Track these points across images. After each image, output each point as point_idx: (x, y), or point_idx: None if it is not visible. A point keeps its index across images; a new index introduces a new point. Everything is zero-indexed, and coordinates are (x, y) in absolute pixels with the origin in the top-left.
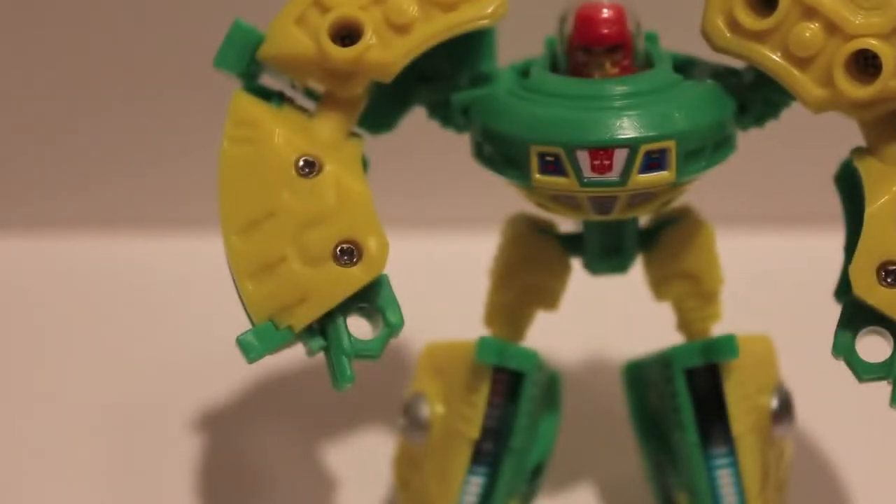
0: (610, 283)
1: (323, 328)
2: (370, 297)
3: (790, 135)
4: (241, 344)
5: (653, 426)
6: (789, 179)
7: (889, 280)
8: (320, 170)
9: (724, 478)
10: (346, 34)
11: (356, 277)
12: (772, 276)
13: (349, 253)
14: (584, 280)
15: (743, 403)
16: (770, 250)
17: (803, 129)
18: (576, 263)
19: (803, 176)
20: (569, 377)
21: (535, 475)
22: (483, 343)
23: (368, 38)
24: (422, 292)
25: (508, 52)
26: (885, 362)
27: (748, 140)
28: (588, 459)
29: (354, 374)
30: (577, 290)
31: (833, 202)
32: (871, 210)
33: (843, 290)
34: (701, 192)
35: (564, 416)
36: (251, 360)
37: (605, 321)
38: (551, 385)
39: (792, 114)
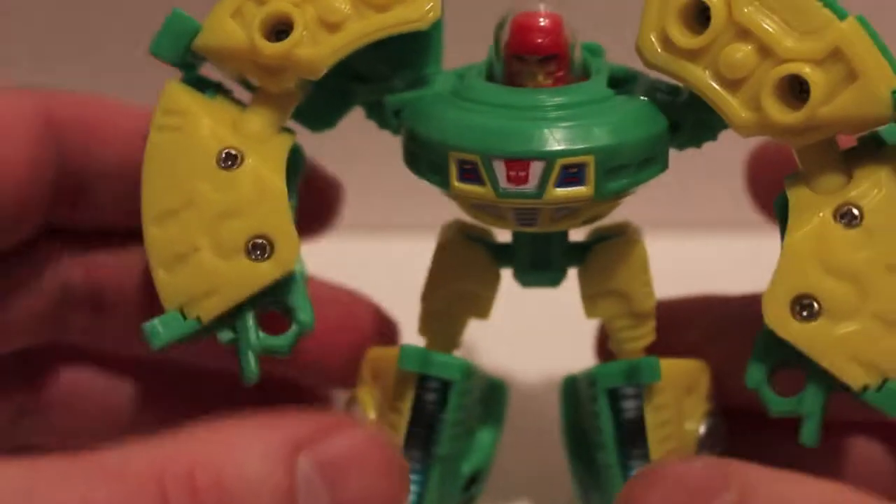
0: (577, 297)
1: (233, 322)
2: (281, 295)
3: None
4: (147, 330)
5: (581, 444)
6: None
7: (803, 314)
8: (241, 163)
9: None
10: (283, 29)
11: (266, 273)
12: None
13: (261, 248)
14: (552, 293)
15: (661, 430)
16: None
17: None
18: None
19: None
20: (524, 389)
21: (472, 484)
22: (405, 351)
23: (298, 34)
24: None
25: (467, 58)
26: (796, 398)
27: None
28: (529, 473)
29: (259, 369)
30: (542, 301)
31: None
32: (790, 239)
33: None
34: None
35: (513, 428)
36: (156, 347)
37: (568, 335)
38: (494, 395)
39: None
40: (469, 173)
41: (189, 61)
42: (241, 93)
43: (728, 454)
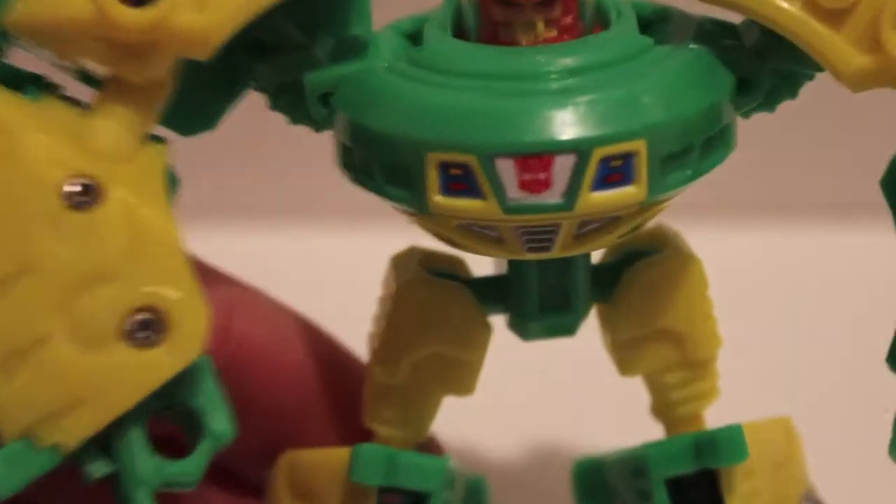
0: (558, 347)
1: (109, 444)
2: (183, 394)
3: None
4: None
5: None
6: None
7: None
8: (101, 198)
9: None
10: None
11: (160, 364)
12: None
13: (149, 326)
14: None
15: None
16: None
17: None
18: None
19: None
20: (504, 477)
21: None
22: (361, 456)
23: None
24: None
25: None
26: None
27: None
28: None
29: None
30: (515, 355)
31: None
32: None
33: None
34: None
35: None
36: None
37: (552, 401)
38: (473, 496)
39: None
40: (458, 182)
41: None
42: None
43: None
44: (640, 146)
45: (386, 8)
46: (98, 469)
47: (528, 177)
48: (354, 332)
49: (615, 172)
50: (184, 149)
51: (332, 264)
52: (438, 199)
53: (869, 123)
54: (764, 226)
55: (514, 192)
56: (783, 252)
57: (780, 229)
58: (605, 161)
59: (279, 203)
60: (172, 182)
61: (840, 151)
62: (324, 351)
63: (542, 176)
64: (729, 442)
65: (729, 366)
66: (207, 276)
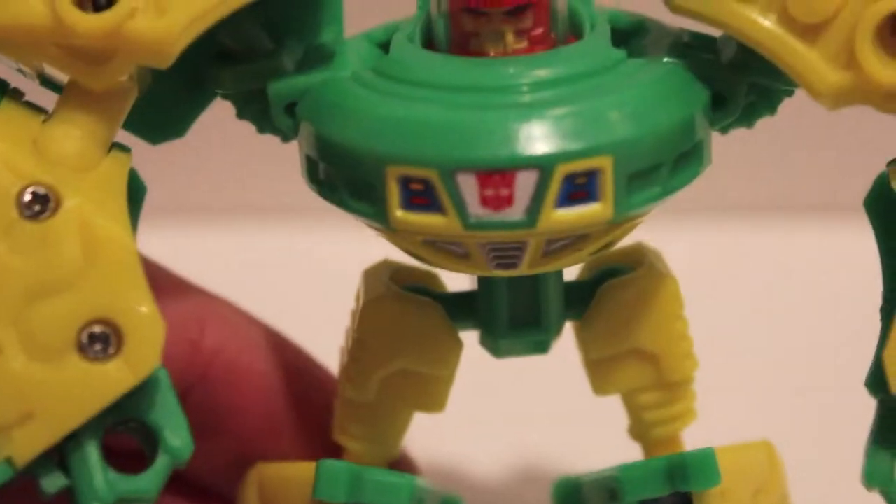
0: (537, 362)
1: (64, 458)
2: (139, 408)
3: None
4: None
5: None
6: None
7: None
8: (57, 207)
9: None
10: None
11: (115, 378)
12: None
13: (103, 339)
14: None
15: None
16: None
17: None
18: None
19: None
20: (482, 496)
21: None
22: (324, 472)
23: None
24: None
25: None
26: None
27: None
28: None
29: None
30: (493, 370)
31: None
32: None
33: (878, 382)
34: None
35: None
36: None
37: (531, 417)
38: None
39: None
40: (420, 196)
41: None
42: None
43: None
44: (605, 163)
45: (362, 14)
46: (53, 483)
47: (489, 192)
48: (323, 334)
49: (580, 190)
50: (166, 147)
51: (307, 264)
52: (400, 215)
53: (868, 123)
54: (763, 227)
55: (475, 208)
56: (782, 253)
57: (779, 230)
58: (570, 178)
59: (254, 201)
60: (138, 190)
61: (838, 152)
62: (295, 365)
63: (504, 192)
64: (700, 466)
65: (717, 375)
66: (178, 287)
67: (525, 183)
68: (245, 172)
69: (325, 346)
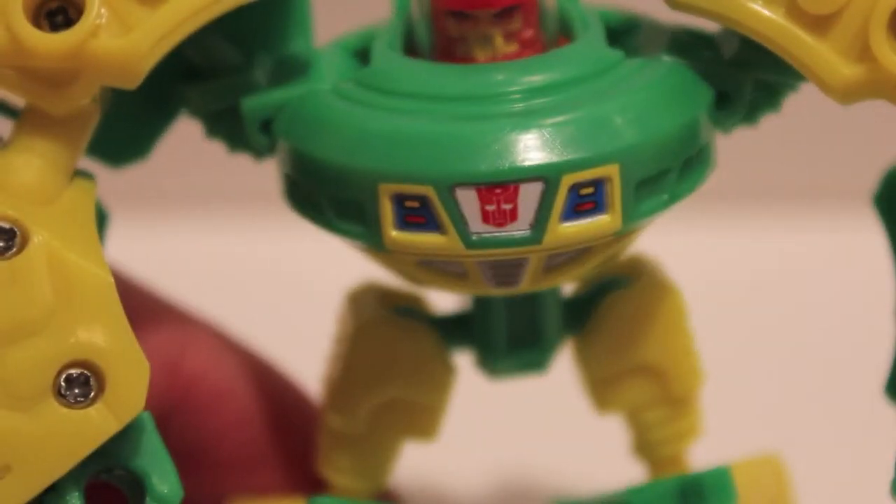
0: (532, 383)
1: None
2: (123, 454)
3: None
4: None
5: None
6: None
7: None
8: (24, 243)
9: None
10: (60, 8)
11: (96, 424)
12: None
13: (82, 382)
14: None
15: None
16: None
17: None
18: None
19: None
20: None
21: None
22: None
23: (94, 15)
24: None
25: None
26: None
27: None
28: None
29: None
30: (486, 393)
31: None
32: None
33: None
34: None
35: None
36: None
37: (525, 441)
38: None
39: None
40: (415, 215)
41: None
42: None
43: None
44: (612, 171)
45: (330, 20)
46: None
47: (491, 208)
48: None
49: (587, 200)
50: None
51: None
52: (394, 235)
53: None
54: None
55: (477, 226)
56: (785, 255)
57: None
58: (575, 188)
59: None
60: (102, 219)
61: (842, 144)
62: (278, 393)
63: (506, 206)
64: (716, 485)
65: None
66: (158, 310)
67: (529, 196)
68: (233, 164)
69: (298, 352)
